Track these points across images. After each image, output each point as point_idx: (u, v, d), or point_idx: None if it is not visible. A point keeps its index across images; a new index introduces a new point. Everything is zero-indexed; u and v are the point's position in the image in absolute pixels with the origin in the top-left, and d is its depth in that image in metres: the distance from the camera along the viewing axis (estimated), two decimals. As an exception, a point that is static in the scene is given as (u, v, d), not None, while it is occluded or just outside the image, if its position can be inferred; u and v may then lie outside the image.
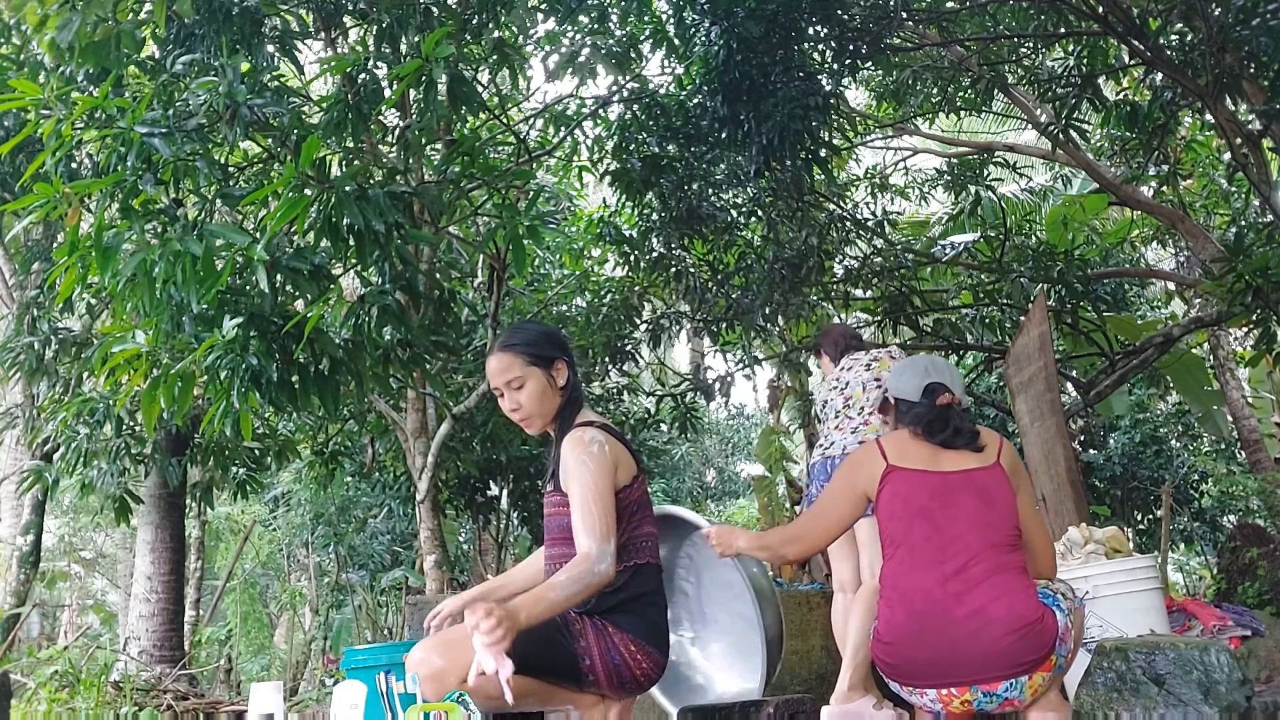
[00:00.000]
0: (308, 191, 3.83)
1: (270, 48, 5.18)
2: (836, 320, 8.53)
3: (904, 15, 6.16)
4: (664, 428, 9.15)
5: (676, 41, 6.34)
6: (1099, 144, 8.26)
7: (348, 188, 3.89)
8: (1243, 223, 7.51)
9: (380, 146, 5.76)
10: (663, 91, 6.77)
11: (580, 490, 2.27)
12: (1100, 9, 5.71)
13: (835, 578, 3.88)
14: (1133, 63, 6.77)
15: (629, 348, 7.74)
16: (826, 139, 6.10)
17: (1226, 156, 7.66)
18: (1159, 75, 6.40)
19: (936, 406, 2.54)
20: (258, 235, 3.95)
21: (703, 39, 5.86)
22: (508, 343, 2.47)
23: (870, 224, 7.86)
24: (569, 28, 6.30)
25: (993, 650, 2.24)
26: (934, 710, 2.35)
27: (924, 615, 2.31)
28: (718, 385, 8.28)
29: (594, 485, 2.26)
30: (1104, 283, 7.95)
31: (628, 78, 6.52)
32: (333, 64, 4.74)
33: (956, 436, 2.49)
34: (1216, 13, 5.43)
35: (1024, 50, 7.18)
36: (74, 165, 5.00)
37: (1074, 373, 7.98)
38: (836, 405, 3.92)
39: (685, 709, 3.83)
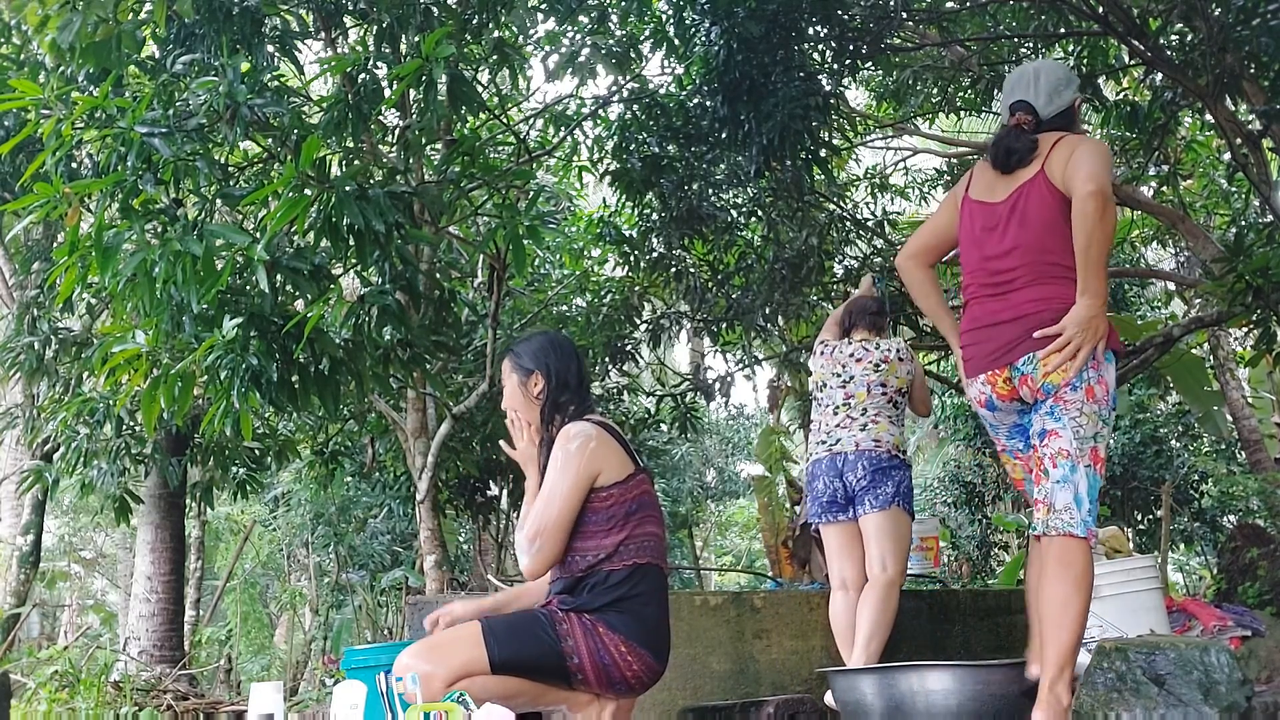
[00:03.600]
0: (308, 191, 3.83)
1: (270, 48, 5.17)
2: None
3: (904, 15, 6.16)
4: (664, 428, 9.13)
5: (676, 41, 6.33)
6: (1099, 144, 8.24)
7: (348, 188, 3.89)
8: (1243, 223, 7.49)
9: (380, 146, 5.76)
10: (663, 91, 6.75)
11: (544, 485, 2.39)
12: (1100, 9, 5.71)
13: (835, 575, 3.84)
14: (1133, 63, 6.76)
15: (629, 348, 7.72)
16: (826, 139, 6.09)
17: (1226, 156, 7.65)
18: (1159, 75, 6.39)
19: (1005, 130, 2.75)
20: (258, 235, 3.95)
21: (703, 39, 5.85)
22: (510, 346, 2.70)
23: (870, 224, 7.85)
24: (569, 28, 6.30)
25: (1012, 338, 2.61)
26: (985, 395, 2.70)
27: (978, 328, 2.72)
28: (718, 385, 8.27)
29: (553, 484, 2.36)
30: (1104, 283, 7.92)
31: (628, 78, 6.51)
32: (333, 64, 4.73)
33: (1009, 157, 2.67)
34: (1216, 13, 5.43)
35: (1024, 50, 7.17)
36: (74, 165, 4.99)
37: (1074, 373, 7.96)
38: (836, 400, 3.88)
39: (685, 709, 3.83)
